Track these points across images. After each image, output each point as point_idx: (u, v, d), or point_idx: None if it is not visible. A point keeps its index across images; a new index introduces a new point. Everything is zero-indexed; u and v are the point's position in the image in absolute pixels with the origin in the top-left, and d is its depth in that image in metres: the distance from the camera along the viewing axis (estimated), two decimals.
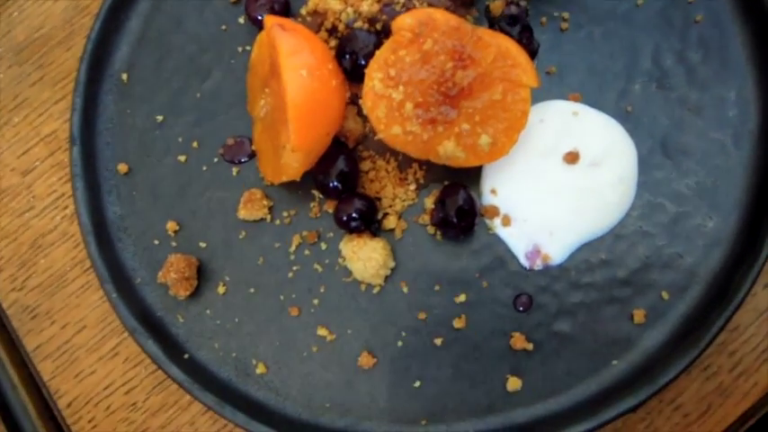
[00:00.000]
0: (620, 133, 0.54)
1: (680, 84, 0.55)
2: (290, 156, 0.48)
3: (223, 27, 0.61)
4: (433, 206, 0.53)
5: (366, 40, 0.52)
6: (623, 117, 0.55)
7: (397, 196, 0.54)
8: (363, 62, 0.51)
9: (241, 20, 0.61)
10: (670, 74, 0.55)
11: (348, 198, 0.52)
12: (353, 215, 0.52)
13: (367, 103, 0.50)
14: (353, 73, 0.52)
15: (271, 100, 0.51)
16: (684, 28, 0.56)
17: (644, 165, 0.53)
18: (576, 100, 0.55)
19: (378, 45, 0.52)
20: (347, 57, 0.53)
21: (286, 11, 0.58)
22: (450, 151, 0.49)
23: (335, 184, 0.52)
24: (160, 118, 0.60)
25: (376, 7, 0.53)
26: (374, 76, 0.49)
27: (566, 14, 0.57)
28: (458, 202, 0.51)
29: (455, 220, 0.51)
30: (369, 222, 0.53)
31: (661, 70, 0.55)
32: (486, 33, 0.51)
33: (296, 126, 0.47)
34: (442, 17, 0.50)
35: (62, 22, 0.67)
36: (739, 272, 0.49)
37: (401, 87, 0.49)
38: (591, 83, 0.56)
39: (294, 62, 0.47)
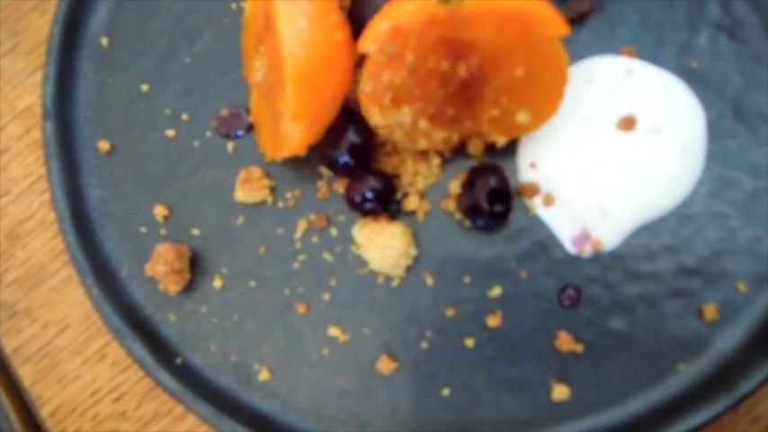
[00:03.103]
0: (684, 94, 0.45)
1: (755, 35, 0.46)
2: (291, 125, 0.41)
3: None
4: (459, 190, 0.45)
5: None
6: (687, 75, 0.46)
7: (419, 172, 0.46)
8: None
9: None
10: (743, 22, 0.46)
11: (361, 176, 0.45)
12: (368, 195, 0.44)
13: (380, 132, 0.43)
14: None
15: (267, 60, 0.43)
16: None
17: (713, 131, 0.45)
18: (630, 55, 0.46)
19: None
20: (359, 16, 0.44)
21: None
22: (493, 137, 0.43)
23: (346, 159, 0.44)
24: (145, 87, 0.52)
25: None
26: (372, 114, 0.42)
27: None
28: (490, 184, 0.43)
29: (487, 206, 0.43)
30: (386, 204, 0.45)
31: (732, 18, 0.46)
32: (474, 6, 0.40)
33: (295, 88, 0.39)
34: (406, 18, 0.40)
35: None
36: None
37: (405, 109, 0.42)
38: (647, 35, 0.47)
39: (290, 10, 0.39)
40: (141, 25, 0.54)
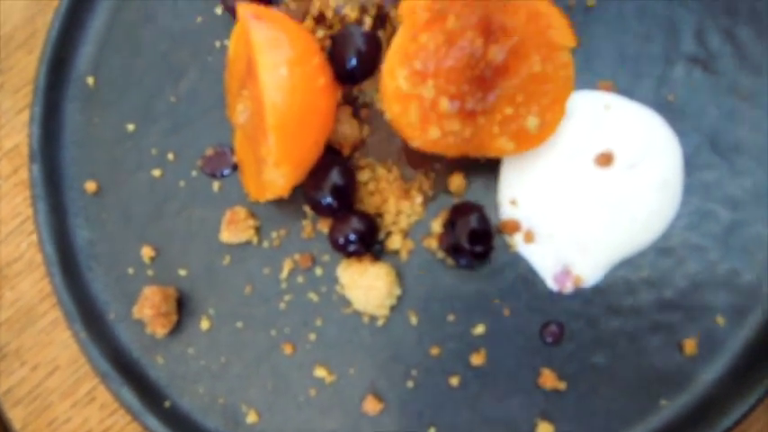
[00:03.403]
0: (661, 128, 0.45)
1: (729, 67, 0.47)
2: (274, 171, 0.41)
3: (198, 19, 0.54)
4: (441, 230, 0.45)
5: (360, 39, 0.44)
6: (664, 108, 0.46)
7: (402, 211, 0.47)
8: (357, 64, 0.44)
9: (218, 10, 0.54)
10: (717, 55, 0.47)
11: (344, 217, 0.45)
12: (351, 237, 0.44)
13: (393, 108, 0.43)
14: (347, 76, 0.45)
15: (249, 104, 0.44)
16: None
17: (690, 165, 0.45)
18: (607, 89, 0.47)
19: (374, 42, 0.44)
20: (340, 58, 0.45)
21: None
22: (500, 145, 0.43)
23: (329, 200, 0.45)
24: (131, 127, 0.53)
25: None
26: (397, 74, 0.42)
27: None
28: (470, 224, 0.43)
29: (468, 245, 0.43)
30: (369, 245, 0.45)
31: (707, 51, 0.47)
32: None
33: (277, 136, 0.40)
34: None
35: (23, 21, 0.60)
36: None
37: (430, 81, 0.42)
38: (624, 69, 0.47)
39: (271, 58, 0.39)
40: (126, 64, 0.54)
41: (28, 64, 0.59)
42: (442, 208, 0.47)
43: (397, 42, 0.42)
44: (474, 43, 0.41)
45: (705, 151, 0.46)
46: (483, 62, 0.41)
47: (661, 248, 0.45)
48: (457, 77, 0.41)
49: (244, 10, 0.42)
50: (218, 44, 0.53)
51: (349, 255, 0.46)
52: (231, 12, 0.51)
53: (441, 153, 0.44)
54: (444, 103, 0.41)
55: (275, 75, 0.39)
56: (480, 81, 0.42)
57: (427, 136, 0.42)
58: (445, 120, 0.42)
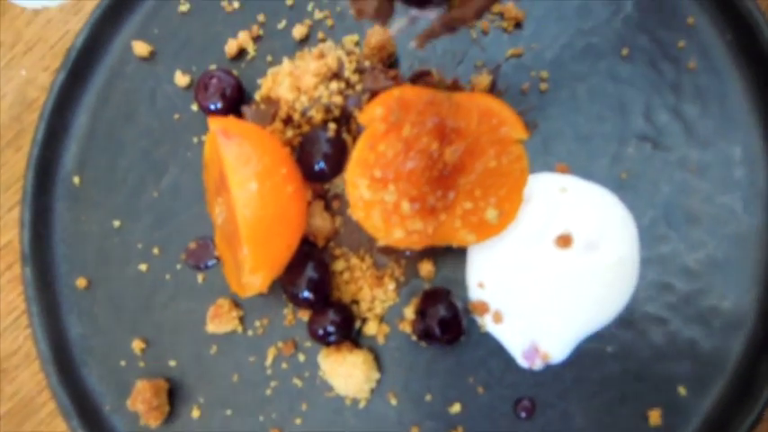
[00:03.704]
0: (616, 207, 0.48)
1: (678, 142, 0.49)
2: (251, 276, 0.44)
3: (176, 116, 0.56)
4: (413, 316, 0.48)
5: (326, 143, 0.47)
6: (618, 185, 0.49)
7: (376, 298, 0.49)
8: (325, 166, 0.46)
9: (194, 107, 0.56)
10: (666, 132, 0.50)
11: (322, 310, 0.47)
12: (329, 329, 0.47)
13: (358, 213, 0.46)
14: (316, 177, 0.48)
15: (225, 209, 0.46)
16: (677, 78, 0.50)
17: (646, 239, 0.48)
18: (563, 171, 0.50)
19: (339, 145, 0.47)
20: (308, 162, 0.48)
21: (239, 98, 0.54)
22: (463, 237, 0.46)
23: (306, 295, 0.47)
24: (117, 223, 0.55)
25: (337, 98, 0.48)
26: (359, 184, 0.45)
27: (544, 73, 0.52)
28: (439, 313, 0.46)
29: (438, 332, 0.46)
30: (347, 334, 0.48)
31: (656, 128, 0.50)
32: (463, 98, 0.46)
33: (250, 247, 0.42)
34: (413, 95, 0.45)
35: (9, 119, 0.63)
36: (766, 358, 0.44)
37: (391, 186, 0.45)
38: (579, 150, 0.50)
39: (241, 174, 0.42)
40: (110, 162, 0.56)
41: (17, 162, 0.61)
42: (414, 293, 0.49)
43: (356, 154, 0.44)
44: (430, 147, 0.44)
45: (660, 225, 0.48)
46: (440, 163, 0.44)
47: (624, 321, 0.47)
48: (416, 180, 0.44)
49: (214, 125, 0.44)
50: (195, 140, 0.56)
51: (328, 344, 0.48)
52: (205, 111, 0.54)
53: (406, 248, 0.47)
54: (406, 206, 0.44)
55: (246, 190, 0.42)
56: (439, 180, 0.45)
57: (392, 236, 0.45)
58: (408, 220, 0.44)
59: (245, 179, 0.42)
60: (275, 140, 0.47)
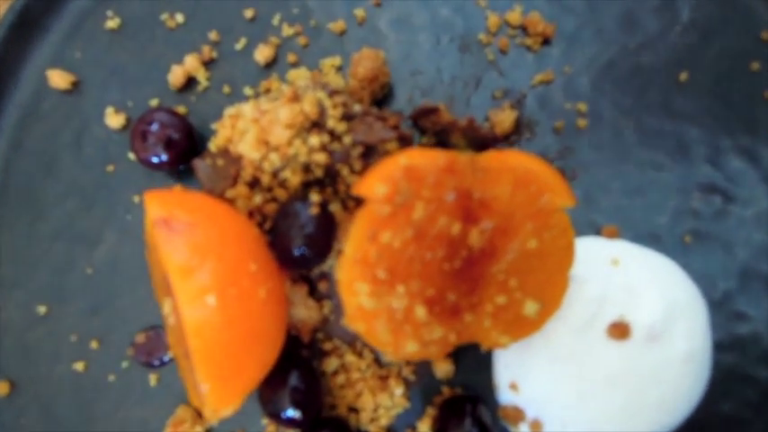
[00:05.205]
0: (683, 283, 0.38)
1: (755, 194, 0.40)
2: (213, 413, 0.32)
3: (109, 168, 0.45)
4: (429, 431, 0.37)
5: (307, 219, 0.35)
6: (681, 251, 0.39)
7: (381, 405, 0.39)
8: (307, 251, 0.35)
9: (131, 155, 0.44)
10: (739, 180, 0.40)
11: (312, 429, 0.37)
12: None
13: (357, 326, 0.34)
14: (295, 263, 0.36)
15: (174, 319, 0.34)
16: (751, 110, 0.39)
17: (719, 318, 0.39)
18: (612, 235, 0.39)
19: (325, 222, 0.35)
20: (284, 245, 0.36)
21: (189, 146, 0.41)
22: (494, 339, 0.35)
23: (291, 414, 0.36)
24: (42, 309, 0.44)
25: (320, 156, 0.36)
26: (358, 290, 0.33)
27: (582, 105, 0.40)
28: (465, 429, 0.35)
29: None
30: None
31: (726, 176, 0.40)
32: (492, 158, 0.34)
33: (212, 384, 0.31)
34: (424, 161, 0.33)
35: None
36: None
37: (400, 288, 0.33)
38: (630, 206, 0.40)
39: (194, 287, 0.30)
40: (28, 229, 0.45)
41: None
42: (429, 397, 0.39)
43: (352, 246, 0.32)
44: (450, 229, 0.33)
45: (736, 300, 0.39)
46: (464, 249, 0.33)
47: (693, 426, 0.38)
48: (433, 275, 0.33)
49: (153, 209, 0.32)
50: (136, 199, 0.44)
51: None
52: (144, 164, 0.42)
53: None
54: (420, 311, 0.33)
55: (200, 307, 0.30)
56: (463, 272, 0.33)
57: (404, 351, 0.34)
58: (424, 329, 0.33)
59: (198, 291, 0.30)
60: (239, 219, 0.35)
